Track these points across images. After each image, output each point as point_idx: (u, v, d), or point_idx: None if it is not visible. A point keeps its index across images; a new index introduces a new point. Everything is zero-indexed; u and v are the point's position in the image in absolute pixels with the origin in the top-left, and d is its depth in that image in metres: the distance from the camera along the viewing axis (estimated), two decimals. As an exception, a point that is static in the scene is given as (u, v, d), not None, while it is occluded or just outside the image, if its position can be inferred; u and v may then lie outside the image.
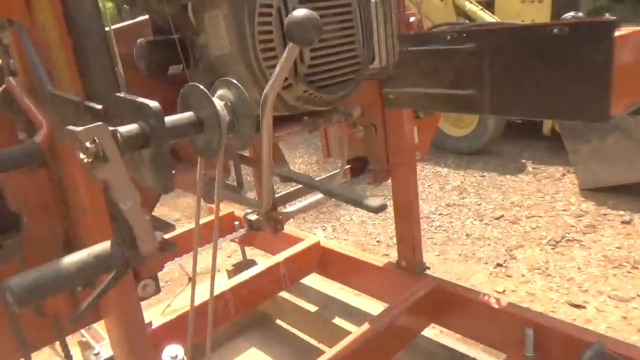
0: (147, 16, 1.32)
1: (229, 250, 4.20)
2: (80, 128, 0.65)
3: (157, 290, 1.42)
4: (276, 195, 1.73)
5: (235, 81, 0.81)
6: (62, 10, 1.04)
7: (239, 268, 3.21)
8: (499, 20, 5.01)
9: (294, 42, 0.81)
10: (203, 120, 0.79)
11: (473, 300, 2.03)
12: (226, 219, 2.96)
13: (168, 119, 0.76)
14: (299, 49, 0.82)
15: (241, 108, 0.80)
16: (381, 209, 0.87)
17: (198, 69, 1.23)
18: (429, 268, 2.29)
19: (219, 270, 3.99)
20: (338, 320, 2.62)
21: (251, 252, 3.33)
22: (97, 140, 0.66)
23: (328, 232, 4.41)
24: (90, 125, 0.66)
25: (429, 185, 5.18)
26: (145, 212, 0.79)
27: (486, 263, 3.67)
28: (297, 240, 2.73)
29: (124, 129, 0.70)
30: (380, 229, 4.35)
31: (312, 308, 2.77)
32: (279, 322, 3.04)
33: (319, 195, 1.92)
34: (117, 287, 0.73)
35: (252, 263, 3.19)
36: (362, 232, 4.36)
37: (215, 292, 2.27)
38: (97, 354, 1.79)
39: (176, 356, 1.96)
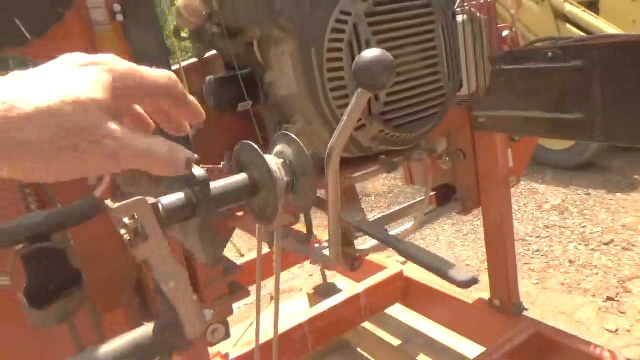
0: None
1: (310, 269, 4.15)
2: (116, 205, 0.58)
3: (227, 335, 1.35)
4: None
5: (294, 136, 0.70)
6: (128, 50, 1.01)
7: (319, 292, 3.12)
8: (605, 22, 4.49)
9: (363, 88, 0.69)
10: (257, 183, 0.69)
11: (582, 353, 1.75)
12: (305, 243, 2.89)
13: (218, 184, 0.67)
14: (369, 95, 0.70)
15: (300, 167, 0.69)
16: (470, 284, 0.72)
17: (267, 106, 1.15)
18: (526, 310, 2.03)
19: (300, 290, 3.95)
20: (423, 358, 2.43)
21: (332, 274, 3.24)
22: (136, 216, 0.59)
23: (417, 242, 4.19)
24: (128, 201, 0.58)
25: (524, 204, 4.77)
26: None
27: (594, 296, 3.26)
28: (378, 268, 2.58)
29: (167, 200, 0.62)
30: (471, 251, 4.07)
31: (395, 341, 2.60)
32: (359, 350, 2.90)
33: (404, 226, 1.77)
34: None
35: (332, 287, 3.09)
36: (449, 255, 4.10)
37: (292, 325, 2.19)
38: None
39: (250, 394, 1.90)
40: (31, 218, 0.82)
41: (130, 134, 0.46)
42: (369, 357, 2.80)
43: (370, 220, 1.70)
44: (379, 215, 2.07)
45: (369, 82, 0.68)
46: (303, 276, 4.08)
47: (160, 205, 0.61)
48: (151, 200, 0.61)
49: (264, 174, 0.68)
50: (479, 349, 2.17)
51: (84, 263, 1.14)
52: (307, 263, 3.73)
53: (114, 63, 0.47)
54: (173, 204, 0.62)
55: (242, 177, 0.69)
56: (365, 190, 5.32)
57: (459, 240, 4.23)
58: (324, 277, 3.15)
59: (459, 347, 2.39)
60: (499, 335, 1.91)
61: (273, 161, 0.69)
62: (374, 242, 1.72)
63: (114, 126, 0.44)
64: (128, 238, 0.59)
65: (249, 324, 3.11)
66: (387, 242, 0.91)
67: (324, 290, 3.03)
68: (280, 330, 2.19)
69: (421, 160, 1.17)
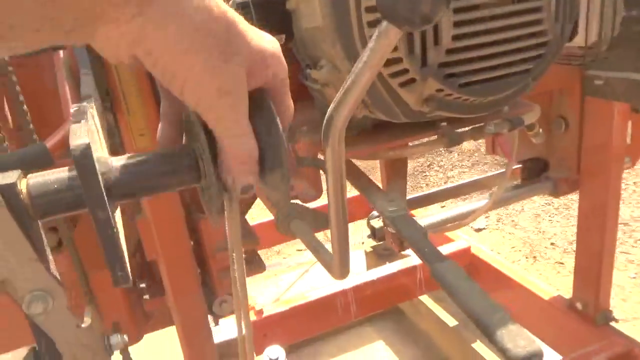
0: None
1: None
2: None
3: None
4: (408, 197, 1.33)
5: (264, 96, 0.44)
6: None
7: (377, 251, 2.89)
8: None
9: (389, 21, 0.40)
10: (197, 163, 0.44)
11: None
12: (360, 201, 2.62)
13: (130, 161, 0.43)
14: (399, 33, 0.40)
15: (268, 150, 0.43)
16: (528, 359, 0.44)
17: (295, 43, 0.87)
18: (616, 321, 1.66)
19: (362, 243, 3.73)
20: (479, 346, 2.15)
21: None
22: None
23: (491, 220, 3.79)
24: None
25: (633, 182, 4.09)
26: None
27: None
28: (444, 240, 2.28)
29: (35, 179, 0.39)
30: (559, 228, 3.58)
31: (451, 321, 2.33)
32: (414, 321, 2.68)
33: (474, 204, 1.46)
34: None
35: (392, 249, 2.84)
36: (533, 228, 3.65)
37: (336, 289, 2.00)
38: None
39: (277, 359, 1.76)
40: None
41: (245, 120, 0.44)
42: (422, 331, 2.58)
43: (428, 193, 1.41)
44: (449, 185, 1.75)
45: (400, 12, 0.39)
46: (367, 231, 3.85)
47: (18, 186, 0.39)
48: (3, 177, 0.38)
49: (204, 150, 0.42)
50: (548, 350, 1.85)
51: (73, 217, 0.98)
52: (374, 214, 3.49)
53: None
54: (43, 186, 0.39)
55: (179, 151, 0.44)
56: (449, 144, 4.86)
57: (547, 214, 3.74)
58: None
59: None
60: (577, 346, 1.58)
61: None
62: (434, 217, 1.43)
63: (242, 76, 0.43)
64: (-36, 235, 0.38)
65: (299, 276, 3.00)
66: (422, 253, 0.63)
67: (383, 251, 2.79)
68: (324, 293, 2.02)
69: (499, 134, 0.84)
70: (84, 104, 0.45)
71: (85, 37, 0.37)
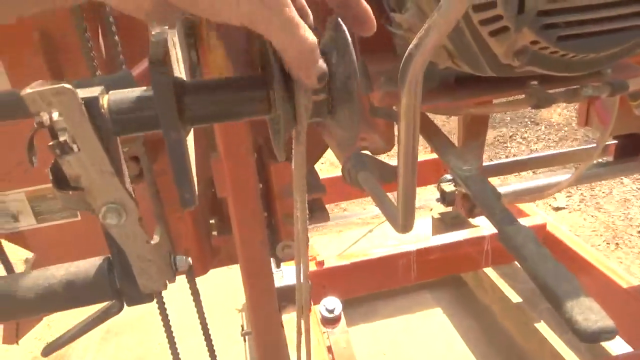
0: None
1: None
2: (29, 90, 0.38)
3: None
4: (485, 164, 1.27)
5: (342, 25, 0.42)
6: None
7: (445, 218, 2.82)
8: None
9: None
10: (269, 92, 0.43)
11: None
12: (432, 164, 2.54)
13: (204, 83, 0.43)
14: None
15: (341, 81, 0.41)
16: (598, 338, 0.40)
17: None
18: None
19: (430, 209, 3.67)
20: (542, 327, 2.07)
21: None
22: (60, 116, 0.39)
23: (573, 200, 3.55)
24: (47, 88, 0.38)
25: None
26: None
27: None
28: (519, 214, 2.17)
29: (115, 95, 0.41)
30: (650, 215, 3.30)
31: (516, 298, 2.25)
32: (475, 293, 2.62)
33: (556, 177, 1.37)
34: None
35: (461, 218, 2.76)
36: (619, 213, 3.39)
37: (398, 251, 1.99)
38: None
39: (333, 310, 1.80)
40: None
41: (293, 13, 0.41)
42: (483, 304, 2.52)
43: (504, 162, 1.33)
44: (531, 155, 1.65)
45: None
46: (429, 194, 3.76)
47: (100, 101, 0.40)
48: (86, 93, 0.40)
49: (276, 80, 0.42)
50: (620, 344, 1.75)
51: (153, 149, 1.03)
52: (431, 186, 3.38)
53: None
54: (123, 103, 0.41)
55: (252, 79, 0.44)
56: (536, 115, 4.54)
57: (638, 199, 3.45)
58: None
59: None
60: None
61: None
62: (511, 186, 1.35)
63: None
64: (51, 143, 0.40)
65: (363, 235, 3.01)
66: (492, 215, 0.60)
67: (451, 220, 2.72)
68: (386, 253, 2.02)
69: (596, 98, 0.77)
70: (165, 28, 0.46)
71: None
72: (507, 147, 4.17)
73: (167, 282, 0.48)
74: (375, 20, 0.47)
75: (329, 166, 3.83)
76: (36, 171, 1.03)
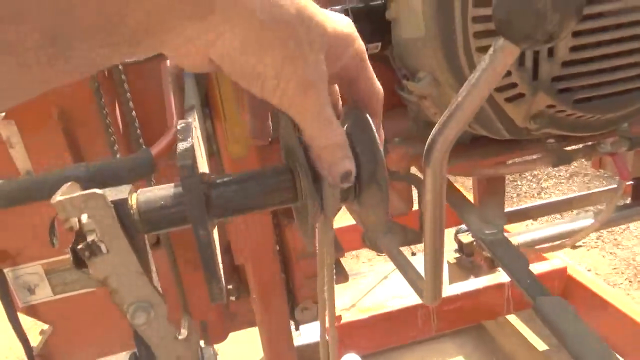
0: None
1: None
2: (60, 197, 0.39)
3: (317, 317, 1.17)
4: (506, 210, 1.25)
5: (365, 115, 0.42)
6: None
7: (461, 263, 2.77)
8: None
9: (506, 38, 0.37)
10: (295, 183, 0.43)
11: None
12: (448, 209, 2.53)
13: (233, 178, 0.43)
14: (516, 51, 0.37)
15: (366, 168, 0.41)
16: None
17: (392, 51, 0.84)
18: None
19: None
20: (572, 375, 1.98)
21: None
22: (89, 219, 0.39)
23: (590, 238, 3.48)
24: (77, 194, 0.38)
25: None
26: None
27: None
28: (538, 258, 2.13)
29: (144, 196, 0.41)
30: (671, 251, 3.23)
31: (541, 345, 2.17)
32: (498, 340, 2.54)
33: (576, 223, 1.34)
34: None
35: (478, 262, 2.71)
36: (639, 249, 3.32)
37: (416, 302, 1.94)
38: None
39: (353, 367, 1.74)
40: (72, 170, 0.69)
41: (330, 108, 0.42)
42: (506, 352, 2.43)
43: (525, 207, 1.31)
44: (548, 200, 1.62)
45: (521, 28, 0.35)
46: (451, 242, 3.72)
47: (130, 201, 0.40)
48: (115, 194, 0.40)
49: (302, 172, 0.42)
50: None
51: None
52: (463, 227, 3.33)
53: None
54: (152, 202, 0.41)
55: (272, 172, 0.44)
56: (544, 153, 4.53)
57: (657, 234, 3.38)
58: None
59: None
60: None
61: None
62: (530, 234, 1.33)
63: (323, 64, 0.41)
64: (79, 246, 0.40)
65: (378, 281, 2.96)
66: (523, 284, 0.58)
67: (469, 264, 2.66)
68: (405, 304, 1.97)
69: (614, 154, 0.76)
70: (189, 120, 0.47)
71: (154, 48, 0.36)
72: (517, 185, 4.14)
73: (196, 377, 0.46)
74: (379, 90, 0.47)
75: (343, 212, 3.81)
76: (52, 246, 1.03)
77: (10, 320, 1.12)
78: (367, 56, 0.46)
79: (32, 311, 1.15)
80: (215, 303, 0.42)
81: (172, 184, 0.42)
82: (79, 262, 0.45)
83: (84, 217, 0.39)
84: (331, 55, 0.41)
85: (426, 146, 0.45)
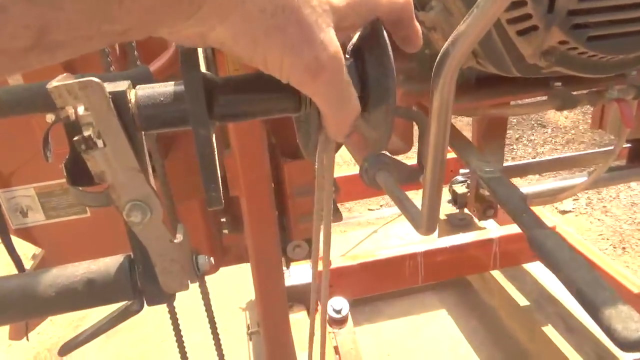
0: None
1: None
2: (56, 82, 0.37)
3: (310, 254, 1.19)
4: (504, 164, 1.26)
5: (381, 28, 0.40)
6: None
7: (452, 220, 2.81)
8: None
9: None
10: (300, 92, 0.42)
11: None
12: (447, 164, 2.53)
13: (234, 79, 0.42)
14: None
15: (375, 84, 0.40)
16: (635, 347, 0.39)
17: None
18: None
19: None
20: (550, 330, 2.05)
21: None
22: (86, 109, 0.38)
23: (579, 204, 3.53)
24: (73, 81, 0.37)
25: None
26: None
27: None
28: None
29: (143, 91, 0.39)
30: (657, 220, 3.29)
31: (522, 301, 2.23)
32: (481, 295, 2.61)
33: (568, 181, 1.35)
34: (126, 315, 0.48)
35: (468, 219, 2.74)
36: (626, 217, 3.37)
37: (405, 252, 1.98)
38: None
39: (340, 310, 1.79)
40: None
41: (344, 74, 0.39)
42: (489, 307, 2.51)
43: (522, 163, 1.31)
44: (544, 158, 1.63)
45: None
46: (444, 199, 3.74)
47: (128, 96, 0.39)
48: (114, 87, 0.39)
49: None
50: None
51: (165, 146, 1.02)
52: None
53: None
54: (151, 98, 0.39)
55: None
56: (543, 117, 4.52)
57: (646, 203, 3.43)
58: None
59: (599, 332, 1.96)
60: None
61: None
62: (527, 189, 1.34)
63: (333, 42, 0.38)
64: (76, 137, 0.39)
65: (367, 235, 3.00)
66: (519, 218, 0.59)
67: (458, 221, 2.70)
68: (393, 254, 2.00)
69: (622, 100, 0.75)
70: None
71: (145, 35, 0.34)
72: (513, 149, 4.15)
73: (189, 282, 0.47)
74: (420, 38, 0.45)
75: (338, 162, 3.82)
76: (46, 167, 1.02)
77: (3, 242, 1.12)
78: (410, 4, 0.43)
79: (25, 234, 1.15)
80: (212, 208, 0.41)
81: (174, 82, 0.41)
82: (74, 179, 0.44)
83: (81, 110, 0.38)
84: (345, 25, 0.39)
85: (438, 58, 0.43)
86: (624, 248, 3.07)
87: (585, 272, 0.46)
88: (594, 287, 0.45)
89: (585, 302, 0.44)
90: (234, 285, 2.48)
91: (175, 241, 0.44)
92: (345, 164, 3.76)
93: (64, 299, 0.44)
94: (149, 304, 0.47)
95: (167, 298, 0.46)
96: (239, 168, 0.97)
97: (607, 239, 3.17)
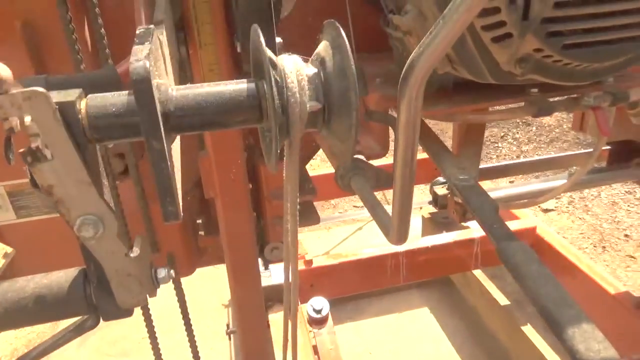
0: None
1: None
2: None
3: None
4: (480, 167, 1.25)
5: (342, 33, 0.39)
6: None
7: (435, 218, 2.81)
8: None
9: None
10: (261, 102, 0.41)
11: None
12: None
13: (192, 92, 0.40)
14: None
15: (337, 95, 0.39)
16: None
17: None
18: (690, 329, 1.52)
19: (420, 208, 3.67)
20: (529, 329, 2.07)
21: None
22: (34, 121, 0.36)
23: (561, 202, 3.57)
24: (18, 91, 0.35)
25: None
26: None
27: None
28: (510, 217, 2.17)
29: (94, 101, 0.38)
30: (637, 219, 3.32)
31: (503, 300, 2.25)
32: (463, 294, 2.62)
33: (550, 183, 1.36)
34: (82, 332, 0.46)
35: (450, 218, 2.75)
36: (607, 217, 3.40)
37: (387, 251, 1.97)
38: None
39: (321, 310, 1.78)
40: (30, 81, 0.65)
41: None
42: (470, 306, 2.52)
43: (499, 165, 1.32)
44: (525, 159, 1.63)
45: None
46: (428, 196, 3.75)
47: (77, 106, 0.37)
48: (63, 97, 0.37)
49: (268, 89, 0.39)
50: (604, 348, 1.75)
51: (140, 147, 1.00)
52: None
53: None
54: (102, 108, 0.38)
55: (237, 87, 0.41)
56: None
57: (626, 203, 3.47)
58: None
59: (580, 333, 1.97)
60: None
61: (296, 71, 0.39)
62: (502, 191, 1.34)
63: None
64: (21, 150, 0.37)
65: (351, 232, 3.00)
66: (489, 229, 0.58)
67: (442, 219, 2.71)
68: (375, 253, 2.00)
69: (597, 108, 0.75)
70: (151, 26, 0.43)
71: None
72: (498, 147, 4.17)
73: (148, 296, 0.45)
74: None
75: (320, 162, 3.80)
76: (15, 165, 0.99)
77: (-28, 241, 1.10)
78: None
79: (-5, 233, 1.13)
80: (168, 222, 0.40)
81: (127, 92, 0.39)
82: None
83: (27, 119, 0.36)
84: None
85: (404, 70, 0.42)
86: (604, 247, 3.10)
87: (551, 288, 0.45)
88: (559, 304, 0.44)
89: (550, 320, 0.43)
90: (219, 281, 2.46)
91: (132, 255, 0.42)
92: (323, 162, 3.75)
93: (12, 315, 0.42)
94: (105, 320, 0.45)
95: (123, 313, 0.44)
96: (214, 170, 0.95)
97: (588, 238, 3.20)
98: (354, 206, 3.62)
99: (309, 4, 0.90)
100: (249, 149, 1.05)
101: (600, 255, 3.08)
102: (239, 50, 0.87)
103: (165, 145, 0.38)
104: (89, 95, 0.38)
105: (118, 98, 0.38)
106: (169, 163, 0.39)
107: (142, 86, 0.35)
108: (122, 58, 0.89)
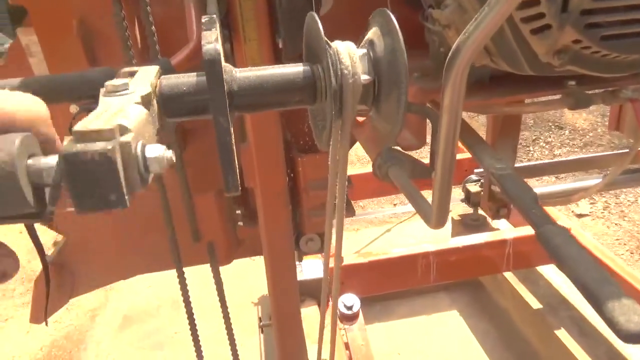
0: None
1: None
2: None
3: (322, 248, 1.20)
4: (519, 165, 1.26)
5: (393, 20, 0.42)
6: None
7: (465, 221, 2.80)
8: None
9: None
10: (315, 83, 0.44)
11: None
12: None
13: (251, 73, 0.43)
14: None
15: (388, 75, 0.41)
16: (637, 339, 0.40)
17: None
18: None
19: (450, 210, 3.60)
20: (563, 334, 2.04)
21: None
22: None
23: (596, 208, 3.49)
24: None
25: None
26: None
27: None
28: (541, 217, 2.14)
29: (168, 81, 0.42)
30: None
31: (536, 304, 2.22)
32: (494, 297, 2.59)
33: (584, 182, 1.35)
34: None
35: (482, 220, 2.72)
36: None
37: (417, 251, 1.98)
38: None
39: (352, 306, 1.80)
40: (91, 73, 0.70)
41: None
42: (501, 309, 2.49)
43: (535, 164, 1.31)
44: (560, 159, 1.62)
45: None
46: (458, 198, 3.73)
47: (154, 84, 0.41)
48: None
49: (326, 66, 0.42)
50: (641, 353, 1.71)
51: (183, 139, 1.05)
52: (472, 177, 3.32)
53: None
54: (175, 87, 0.41)
55: (293, 70, 0.44)
56: (560, 118, 4.46)
57: (664, 209, 3.37)
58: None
59: (612, 337, 1.94)
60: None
61: (348, 50, 0.42)
62: (547, 188, 1.34)
63: None
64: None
65: (380, 234, 3.01)
66: (529, 215, 0.60)
67: (471, 222, 2.69)
68: (406, 252, 2.01)
69: (636, 101, 0.75)
70: (214, 15, 0.47)
71: None
72: (529, 150, 4.11)
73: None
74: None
75: (352, 158, 3.82)
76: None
77: (25, 228, 1.16)
78: None
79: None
80: (229, 193, 0.43)
81: (196, 73, 0.43)
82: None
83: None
84: None
85: (449, 56, 0.45)
86: (638, 247, 3.03)
87: (591, 268, 0.47)
88: (599, 281, 0.46)
89: (590, 295, 0.45)
90: (248, 279, 2.51)
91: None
92: (359, 162, 3.77)
93: None
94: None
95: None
96: (255, 161, 0.99)
97: (624, 244, 3.12)
98: (382, 208, 3.62)
99: (346, 2, 0.94)
100: (286, 143, 1.09)
101: (637, 262, 3.00)
102: (280, 45, 0.91)
103: (230, 122, 0.41)
104: (163, 76, 0.42)
105: (188, 78, 0.42)
106: (232, 139, 0.43)
107: (213, 66, 0.39)
108: (167, 55, 0.94)
